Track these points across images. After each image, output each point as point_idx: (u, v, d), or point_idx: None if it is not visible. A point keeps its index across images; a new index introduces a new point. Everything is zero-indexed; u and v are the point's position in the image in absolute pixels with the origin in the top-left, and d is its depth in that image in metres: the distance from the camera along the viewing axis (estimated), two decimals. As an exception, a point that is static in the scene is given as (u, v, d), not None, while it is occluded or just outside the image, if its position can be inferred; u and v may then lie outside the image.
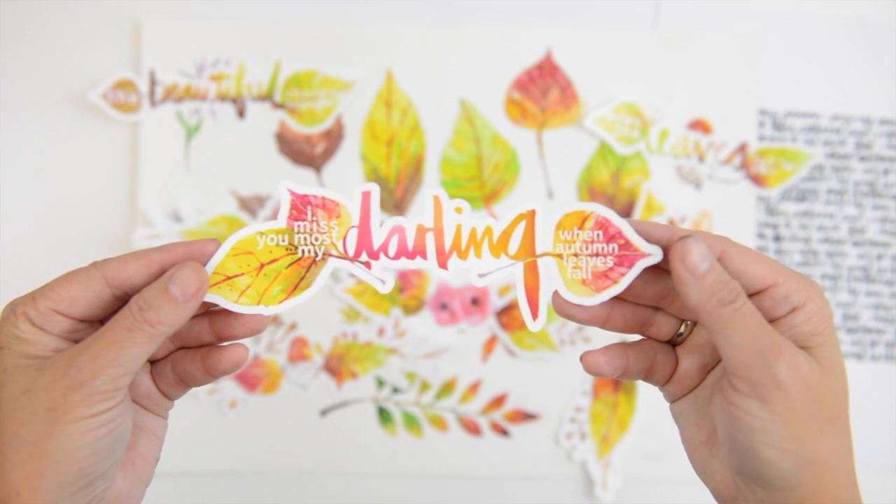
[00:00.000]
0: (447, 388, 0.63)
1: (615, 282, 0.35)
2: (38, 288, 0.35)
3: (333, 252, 0.36)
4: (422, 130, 0.63)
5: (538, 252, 0.36)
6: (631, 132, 0.63)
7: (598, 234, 0.36)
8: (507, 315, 0.63)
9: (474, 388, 0.63)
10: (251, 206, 0.62)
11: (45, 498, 0.32)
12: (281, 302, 0.36)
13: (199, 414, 0.62)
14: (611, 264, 0.35)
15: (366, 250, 0.36)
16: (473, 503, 0.63)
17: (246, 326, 0.36)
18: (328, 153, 0.62)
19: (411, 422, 0.63)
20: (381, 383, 0.63)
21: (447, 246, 0.36)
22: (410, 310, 0.63)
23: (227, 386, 0.62)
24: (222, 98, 0.62)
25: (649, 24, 0.64)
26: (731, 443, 0.33)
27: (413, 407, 0.63)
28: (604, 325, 0.37)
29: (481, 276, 0.36)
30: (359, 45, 0.62)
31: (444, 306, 0.63)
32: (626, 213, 0.63)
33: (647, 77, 0.63)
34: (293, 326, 0.62)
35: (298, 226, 0.36)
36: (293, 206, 0.36)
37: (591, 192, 0.63)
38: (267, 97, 0.62)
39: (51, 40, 0.62)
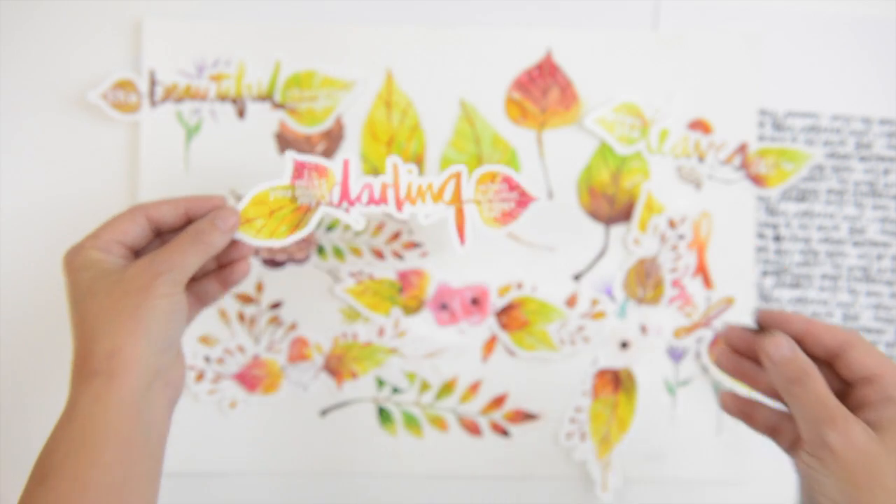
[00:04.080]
0: (447, 388, 0.63)
1: (516, 218, 0.53)
2: (93, 231, 0.48)
3: (323, 202, 0.51)
4: (422, 130, 0.63)
5: (464, 199, 0.52)
6: (631, 132, 0.63)
7: (504, 186, 0.52)
8: (507, 315, 0.63)
9: (474, 388, 0.63)
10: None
11: (141, 352, 0.43)
12: (286, 237, 0.50)
13: (199, 414, 0.62)
14: (513, 206, 0.53)
15: (346, 200, 0.51)
16: (473, 503, 0.63)
17: (240, 250, 0.53)
18: (328, 153, 0.62)
19: (411, 422, 0.63)
20: (381, 383, 0.63)
21: (402, 196, 0.52)
22: (410, 310, 0.63)
23: (227, 386, 0.62)
24: (222, 98, 0.62)
25: (649, 24, 0.64)
26: (802, 491, 0.42)
27: (413, 407, 0.63)
28: (749, 421, 0.48)
29: (427, 216, 0.52)
30: (359, 45, 0.62)
31: (444, 306, 0.63)
32: (626, 213, 0.63)
33: (647, 77, 0.63)
34: (293, 326, 0.62)
35: (298, 183, 0.51)
36: (295, 169, 0.51)
37: (590, 191, 0.63)
38: (267, 97, 0.62)
39: (50, 40, 0.62)
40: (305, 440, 0.62)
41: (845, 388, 0.43)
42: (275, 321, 0.62)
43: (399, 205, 0.52)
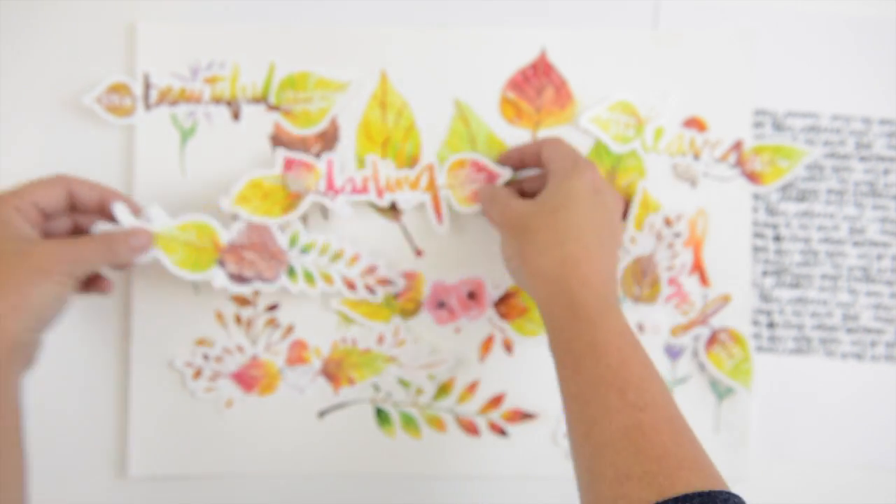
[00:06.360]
0: (445, 389, 0.63)
1: None
2: (16, 188, 0.51)
3: (311, 190, 0.59)
4: (417, 131, 0.62)
5: (439, 186, 0.60)
6: (626, 131, 0.62)
7: (473, 170, 0.60)
8: (505, 305, 0.63)
9: (472, 388, 0.63)
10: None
11: (19, 326, 0.46)
12: (278, 217, 0.58)
13: (195, 412, 0.62)
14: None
15: (332, 191, 0.59)
16: (472, 503, 0.64)
17: (115, 274, 0.60)
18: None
19: (409, 422, 0.63)
20: (377, 390, 0.63)
21: (382, 186, 0.60)
22: (409, 313, 0.63)
23: (224, 384, 0.62)
24: (217, 101, 0.62)
25: (648, 22, 0.63)
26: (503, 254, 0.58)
27: (411, 408, 0.63)
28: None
29: (406, 201, 0.60)
30: (353, 46, 0.62)
31: (441, 304, 0.63)
32: (622, 211, 0.62)
33: (641, 75, 0.62)
34: (290, 329, 0.62)
35: (287, 174, 0.59)
36: (285, 164, 0.59)
37: (587, 191, 0.62)
38: (261, 99, 0.62)
39: (44, 45, 0.62)
40: (303, 442, 0.63)
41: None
42: (272, 323, 0.62)
43: (380, 193, 0.60)
